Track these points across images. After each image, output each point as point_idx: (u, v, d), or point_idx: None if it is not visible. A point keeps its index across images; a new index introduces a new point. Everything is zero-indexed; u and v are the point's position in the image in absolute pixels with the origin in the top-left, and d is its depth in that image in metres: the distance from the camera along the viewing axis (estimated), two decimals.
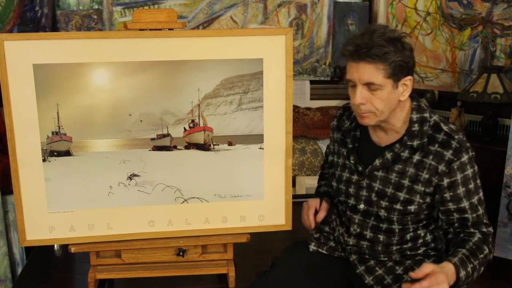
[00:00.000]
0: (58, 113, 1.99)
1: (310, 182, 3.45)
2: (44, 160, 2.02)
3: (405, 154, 1.64)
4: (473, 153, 1.62)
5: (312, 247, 1.86)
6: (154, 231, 2.13)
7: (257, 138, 2.12)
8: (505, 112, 3.01)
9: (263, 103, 2.09)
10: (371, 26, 1.60)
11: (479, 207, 1.63)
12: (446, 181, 1.60)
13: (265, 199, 2.16)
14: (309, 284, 1.75)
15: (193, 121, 2.09)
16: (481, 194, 1.64)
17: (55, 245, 2.74)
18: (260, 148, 2.13)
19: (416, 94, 1.68)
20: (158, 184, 2.10)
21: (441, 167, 1.59)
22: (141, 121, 2.06)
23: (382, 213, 1.67)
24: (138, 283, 2.33)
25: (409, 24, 3.52)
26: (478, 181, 1.63)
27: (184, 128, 2.10)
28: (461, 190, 1.60)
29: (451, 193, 1.60)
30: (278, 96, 2.09)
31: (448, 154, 1.58)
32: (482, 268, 1.58)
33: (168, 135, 2.09)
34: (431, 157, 1.60)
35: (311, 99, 3.76)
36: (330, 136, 1.90)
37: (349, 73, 1.59)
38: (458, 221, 1.63)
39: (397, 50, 1.53)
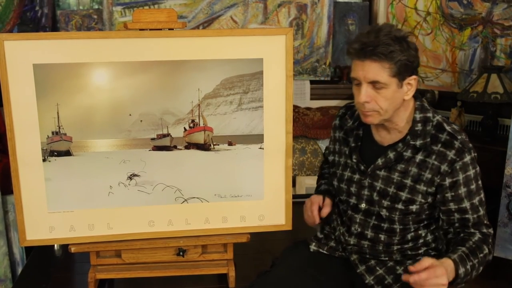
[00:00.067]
0: (58, 113, 1.99)
1: (310, 182, 3.45)
2: (44, 160, 2.02)
3: (408, 153, 1.64)
4: (475, 154, 1.62)
5: (313, 247, 1.85)
6: (154, 231, 2.13)
7: (257, 138, 2.12)
8: (505, 112, 3.01)
9: (263, 103, 2.09)
10: (376, 24, 1.60)
11: (480, 208, 1.63)
12: (448, 181, 1.60)
13: (265, 199, 2.16)
14: (309, 284, 1.75)
15: (193, 121, 2.09)
16: (482, 195, 1.64)
17: (55, 245, 2.74)
18: (260, 148, 2.13)
19: (419, 94, 1.68)
20: (158, 184, 2.10)
21: (444, 167, 1.59)
22: (141, 121, 2.06)
23: (384, 212, 1.67)
24: (138, 283, 2.33)
25: (409, 24, 3.52)
26: (480, 182, 1.63)
27: (184, 128, 2.10)
28: (462, 190, 1.60)
29: (453, 193, 1.60)
30: (278, 96, 2.09)
31: (451, 154, 1.58)
32: (481, 268, 1.58)
33: (168, 135, 2.09)
34: (433, 157, 1.60)
35: (311, 99, 3.76)
36: (330, 136, 1.90)
37: (354, 71, 1.58)
38: (459, 221, 1.63)
39: (403, 49, 1.53)
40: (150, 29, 2.00)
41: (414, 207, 1.64)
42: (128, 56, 1.98)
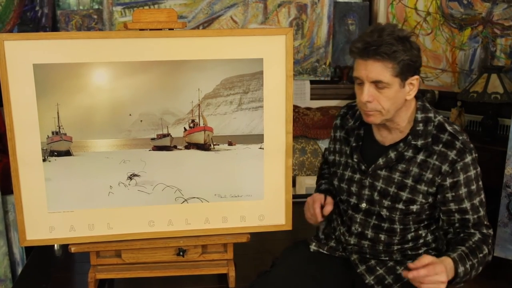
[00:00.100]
0: (58, 113, 1.99)
1: (310, 182, 3.45)
2: (44, 160, 2.02)
3: (409, 153, 1.64)
4: (476, 155, 1.62)
5: (313, 247, 1.85)
6: (154, 231, 2.13)
7: (257, 138, 2.12)
8: (505, 112, 3.01)
9: (263, 103, 2.09)
10: (379, 24, 1.60)
11: (480, 209, 1.63)
12: (449, 181, 1.60)
13: (265, 199, 2.16)
14: (309, 284, 1.75)
15: (193, 121, 2.09)
16: (482, 196, 1.64)
17: (55, 245, 2.74)
18: (260, 148, 2.12)
19: (421, 94, 1.69)
20: (158, 184, 2.10)
21: (445, 167, 1.59)
22: (141, 121, 2.06)
23: (384, 212, 1.67)
24: (138, 283, 2.33)
25: (409, 24, 3.52)
26: (480, 183, 1.63)
27: (184, 128, 2.10)
28: (463, 190, 1.60)
29: (453, 194, 1.60)
30: (278, 96, 2.09)
31: (452, 154, 1.58)
32: (481, 268, 1.58)
33: (168, 135, 2.09)
34: (435, 157, 1.60)
35: (311, 99, 3.76)
36: (331, 136, 1.90)
37: (356, 70, 1.58)
38: (459, 221, 1.63)
39: (406, 49, 1.53)
40: (150, 29, 2.00)
41: (414, 207, 1.64)
42: (128, 56, 1.98)
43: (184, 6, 3.47)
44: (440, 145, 1.61)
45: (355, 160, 1.73)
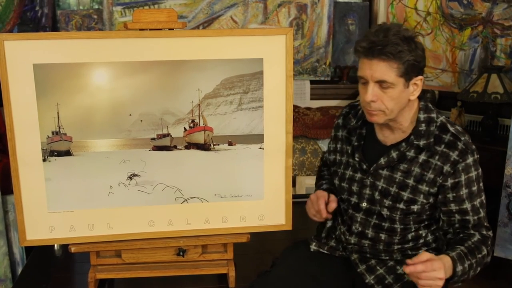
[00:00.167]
0: (58, 113, 1.99)
1: (310, 182, 3.45)
2: (44, 160, 2.02)
3: (411, 153, 1.64)
4: (478, 156, 1.62)
5: (313, 247, 1.85)
6: (154, 231, 2.13)
7: (257, 138, 2.12)
8: (505, 112, 3.01)
9: (263, 103, 2.09)
10: (385, 24, 1.60)
11: (480, 210, 1.63)
12: (450, 181, 1.60)
13: (265, 199, 2.16)
14: (309, 284, 1.75)
15: (193, 121, 2.09)
16: (483, 197, 1.64)
17: (55, 245, 2.74)
18: (260, 148, 2.12)
19: (423, 94, 1.69)
20: (158, 184, 2.10)
21: (446, 168, 1.59)
22: (141, 121, 2.06)
23: (385, 212, 1.68)
24: (138, 283, 2.33)
25: (409, 24, 3.52)
26: (481, 184, 1.64)
27: (184, 128, 2.10)
28: (464, 191, 1.60)
29: (454, 194, 1.60)
30: (278, 96, 2.08)
31: (454, 155, 1.59)
32: (479, 269, 1.58)
33: (168, 135, 2.09)
34: (437, 157, 1.60)
35: (311, 99, 3.77)
36: (331, 135, 1.90)
37: (361, 69, 1.58)
38: (459, 222, 1.63)
39: (411, 49, 1.53)
40: (150, 29, 2.00)
41: (415, 207, 1.65)
42: (128, 56, 1.98)
43: (184, 6, 3.48)
44: (442, 146, 1.61)
45: (357, 159, 1.73)
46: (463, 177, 1.59)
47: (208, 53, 2.02)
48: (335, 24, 3.68)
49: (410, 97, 1.60)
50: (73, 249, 2.10)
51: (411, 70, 1.55)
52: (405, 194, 1.64)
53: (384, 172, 1.67)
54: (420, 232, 1.71)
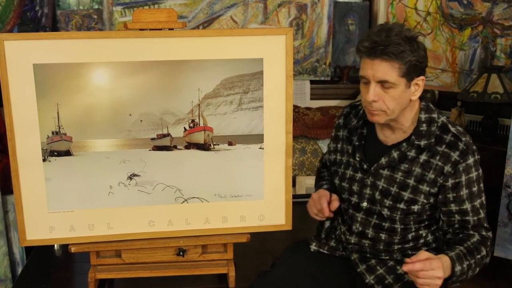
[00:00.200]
0: (58, 113, 1.99)
1: (310, 182, 3.45)
2: (44, 160, 2.02)
3: (412, 153, 1.64)
4: (479, 157, 1.62)
5: (313, 247, 1.85)
6: (154, 231, 2.13)
7: (257, 138, 2.12)
8: (505, 112, 3.01)
9: (263, 103, 2.09)
10: (387, 23, 1.60)
11: (480, 211, 1.63)
12: (450, 182, 1.60)
13: (265, 199, 2.16)
14: (309, 284, 1.75)
15: (193, 121, 2.09)
16: (483, 198, 1.64)
17: (55, 245, 2.74)
18: (260, 148, 2.12)
19: (425, 94, 1.69)
20: (158, 184, 2.10)
21: (447, 168, 1.59)
22: (141, 121, 2.06)
23: (385, 212, 1.68)
24: (138, 283, 2.33)
25: (409, 24, 3.52)
26: (482, 185, 1.64)
27: (184, 128, 2.10)
28: (464, 192, 1.60)
29: (454, 194, 1.61)
30: (278, 96, 2.08)
31: (455, 155, 1.59)
32: (478, 269, 1.58)
33: (168, 135, 2.09)
34: (438, 157, 1.60)
35: (311, 99, 3.77)
36: (332, 135, 1.90)
37: (363, 69, 1.58)
38: (459, 222, 1.63)
39: (413, 49, 1.53)
40: (150, 29, 2.00)
41: (416, 207, 1.65)
42: (128, 56, 1.98)
43: (184, 6, 3.48)
44: (443, 146, 1.61)
45: (357, 159, 1.73)
46: (463, 178, 1.59)
47: (208, 53, 2.02)
48: (335, 24, 3.68)
49: (412, 97, 1.61)
50: (73, 249, 2.10)
51: (413, 70, 1.55)
52: (406, 194, 1.64)
53: (385, 172, 1.67)
54: (420, 232, 1.71)
